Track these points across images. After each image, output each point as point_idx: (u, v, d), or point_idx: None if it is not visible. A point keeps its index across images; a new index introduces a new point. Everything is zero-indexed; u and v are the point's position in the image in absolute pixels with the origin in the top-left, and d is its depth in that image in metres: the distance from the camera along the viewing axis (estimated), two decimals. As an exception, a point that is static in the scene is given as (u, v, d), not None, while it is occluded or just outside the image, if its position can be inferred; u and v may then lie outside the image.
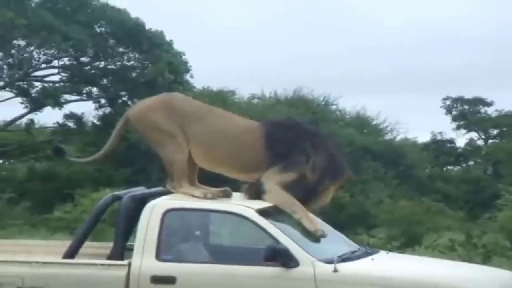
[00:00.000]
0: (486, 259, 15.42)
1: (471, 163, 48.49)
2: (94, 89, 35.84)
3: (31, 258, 7.76)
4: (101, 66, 35.64)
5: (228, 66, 59.09)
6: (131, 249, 7.54)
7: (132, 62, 35.54)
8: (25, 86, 34.82)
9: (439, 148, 47.96)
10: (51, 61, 35.16)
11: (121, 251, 7.76)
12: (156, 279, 7.26)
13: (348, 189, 26.09)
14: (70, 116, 35.31)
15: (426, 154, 45.67)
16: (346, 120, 43.06)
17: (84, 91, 35.46)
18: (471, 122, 48.53)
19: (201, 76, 53.96)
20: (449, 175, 45.51)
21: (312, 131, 8.05)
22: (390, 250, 13.84)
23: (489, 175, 44.40)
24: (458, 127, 49.18)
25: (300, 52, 61.79)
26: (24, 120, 35.67)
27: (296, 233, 7.44)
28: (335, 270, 7.04)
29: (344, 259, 7.30)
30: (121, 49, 35.31)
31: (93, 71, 35.48)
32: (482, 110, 49.27)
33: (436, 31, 70.18)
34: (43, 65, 35.33)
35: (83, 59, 35.47)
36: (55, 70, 35.48)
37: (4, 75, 34.56)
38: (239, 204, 7.58)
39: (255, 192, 7.75)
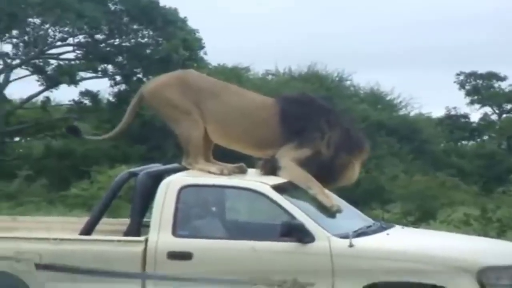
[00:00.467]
0: (501, 233, 15.36)
1: (485, 137, 48.27)
2: (109, 67, 35.78)
3: (49, 234, 7.82)
4: (115, 43, 35.57)
5: (242, 45, 58.94)
6: (147, 226, 7.58)
7: (146, 39, 35.43)
8: (41, 63, 34.81)
9: (454, 123, 47.84)
10: (66, 39, 35.12)
11: (138, 227, 7.80)
12: (172, 255, 7.30)
13: (363, 165, 26.03)
14: (86, 93, 35.31)
15: (441, 129, 45.43)
16: (360, 96, 42.78)
17: (99, 69, 35.41)
18: (484, 97, 48.32)
19: (215, 53, 54.03)
20: (463, 150, 45.41)
21: (326, 107, 8.05)
22: (405, 225, 13.83)
23: (503, 149, 44.31)
24: (472, 102, 49.04)
25: (315, 31, 61.61)
26: (40, 98, 35.68)
27: (311, 208, 7.46)
28: (351, 245, 7.07)
29: (359, 234, 7.33)
30: (135, 26, 35.19)
31: (108, 49, 35.42)
32: (496, 85, 49.07)
33: (449, 8, 69.80)
34: (58, 43, 35.28)
35: (98, 36, 35.40)
36: (70, 48, 35.43)
37: (19, 53, 34.65)
38: (255, 180, 7.61)
39: (270, 168, 7.76)
